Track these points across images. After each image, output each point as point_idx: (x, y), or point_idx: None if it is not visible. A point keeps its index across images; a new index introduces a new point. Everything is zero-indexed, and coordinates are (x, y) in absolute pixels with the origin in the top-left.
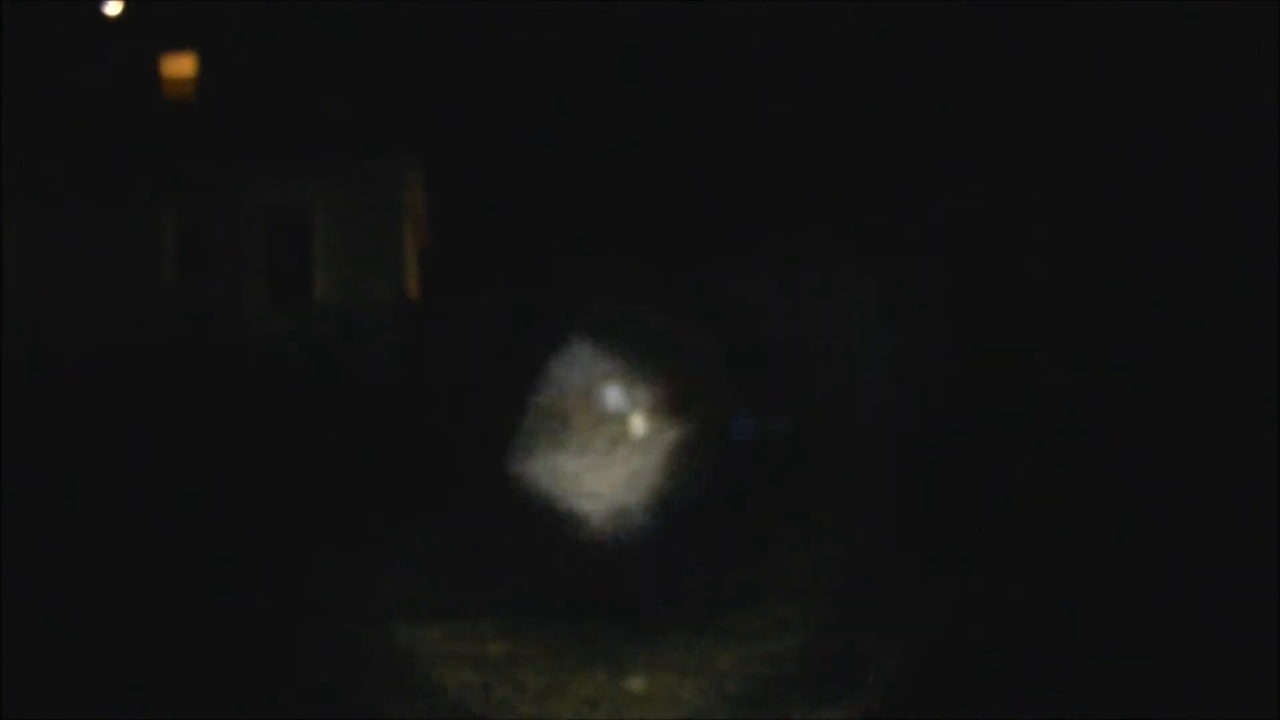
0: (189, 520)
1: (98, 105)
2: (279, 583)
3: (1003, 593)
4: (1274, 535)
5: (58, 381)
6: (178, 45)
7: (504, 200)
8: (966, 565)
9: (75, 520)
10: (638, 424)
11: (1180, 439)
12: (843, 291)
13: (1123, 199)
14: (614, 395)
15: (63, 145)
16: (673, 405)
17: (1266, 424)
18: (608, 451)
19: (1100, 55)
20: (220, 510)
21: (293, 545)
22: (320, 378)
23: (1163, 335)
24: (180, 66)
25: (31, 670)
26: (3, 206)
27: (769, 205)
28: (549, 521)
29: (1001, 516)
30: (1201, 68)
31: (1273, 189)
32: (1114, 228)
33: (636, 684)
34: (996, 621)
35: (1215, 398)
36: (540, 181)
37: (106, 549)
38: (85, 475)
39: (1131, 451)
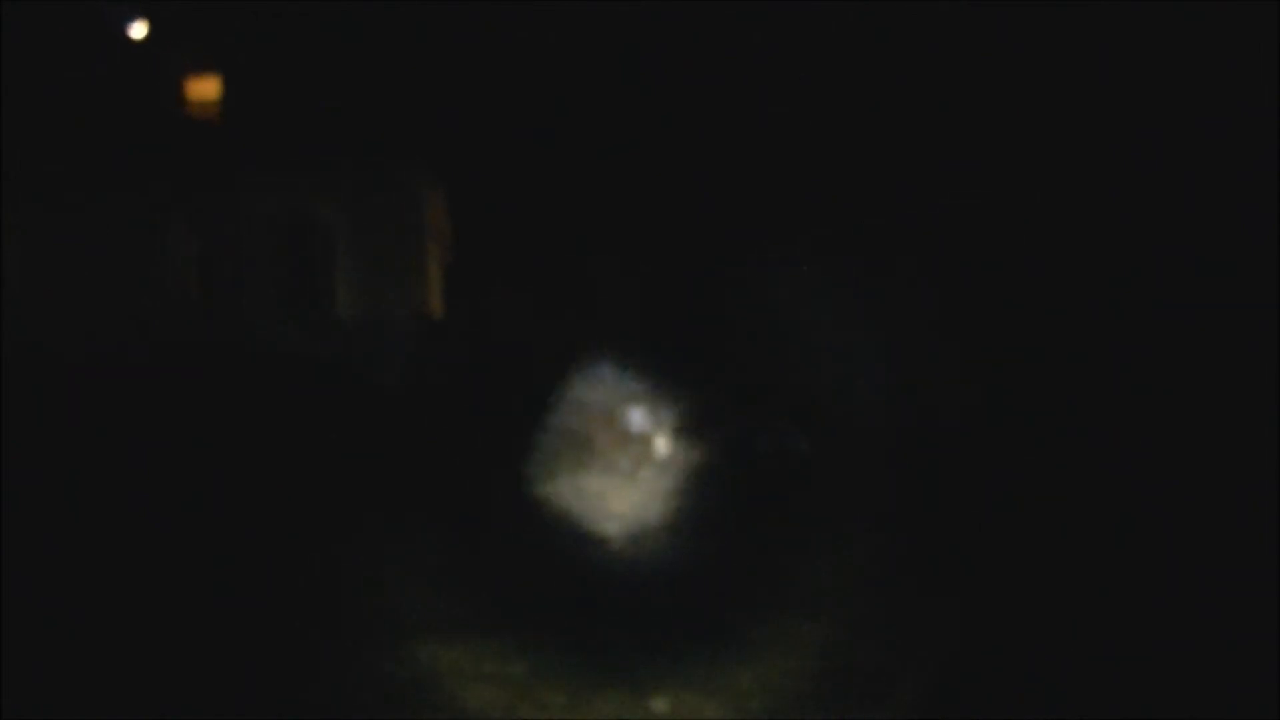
0: (202, 533)
1: (115, 113)
2: (295, 597)
3: (1010, 599)
4: (1274, 535)
5: (73, 388)
6: (198, 56)
7: (526, 213)
8: (977, 574)
9: (82, 524)
10: (659, 441)
11: (1180, 439)
12: (850, 298)
13: (1121, 200)
14: (635, 412)
15: (79, 153)
16: (691, 421)
17: (1266, 424)
18: (628, 469)
19: (1095, 56)
20: (237, 524)
21: (309, 560)
22: (340, 392)
23: (1162, 336)
24: (205, 89)
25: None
26: (13, 211)
27: (771, 212)
28: (570, 539)
29: (1008, 521)
30: (1198, 68)
31: (1272, 189)
32: (1112, 229)
33: (659, 703)
34: (1004, 628)
35: (1215, 398)
36: (563, 193)
37: (113, 556)
38: (95, 481)
39: (1131, 452)
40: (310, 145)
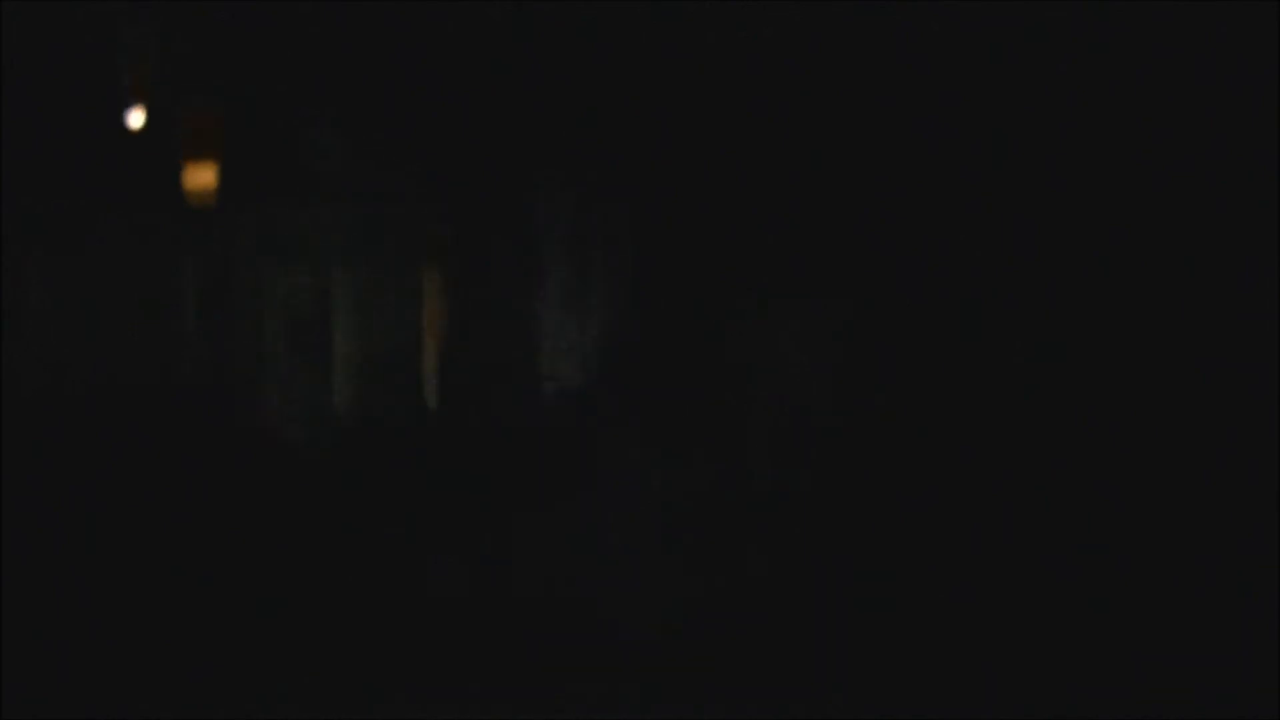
0: (206, 564)
1: (119, 155)
2: (285, 628)
3: (1010, 598)
4: (1274, 535)
5: (72, 423)
6: (200, 102)
7: (523, 255)
8: (976, 578)
9: (80, 534)
10: (652, 483)
11: (1179, 440)
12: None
13: (1115, 201)
14: (629, 455)
15: (83, 193)
16: (685, 459)
17: (1266, 424)
18: (628, 516)
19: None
20: (236, 574)
21: (304, 612)
22: (340, 435)
23: (1159, 337)
24: (202, 178)
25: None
26: (12, 248)
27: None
28: (565, 580)
29: (1006, 522)
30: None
31: (1270, 190)
32: (1107, 230)
33: None
34: (1005, 628)
35: (1214, 399)
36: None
37: (112, 564)
38: (93, 492)
39: (1131, 453)
40: (313, 205)
